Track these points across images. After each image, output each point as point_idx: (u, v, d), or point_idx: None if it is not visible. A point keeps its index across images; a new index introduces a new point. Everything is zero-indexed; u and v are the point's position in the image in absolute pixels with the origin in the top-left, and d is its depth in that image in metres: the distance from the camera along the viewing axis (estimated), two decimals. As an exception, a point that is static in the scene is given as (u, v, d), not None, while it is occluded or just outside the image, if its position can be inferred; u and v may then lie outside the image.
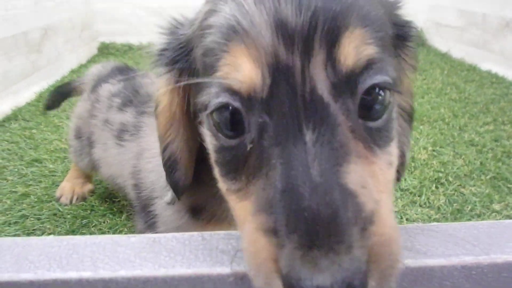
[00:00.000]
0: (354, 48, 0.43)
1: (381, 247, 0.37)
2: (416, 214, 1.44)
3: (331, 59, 0.43)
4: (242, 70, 0.43)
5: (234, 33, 0.44)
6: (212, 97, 0.46)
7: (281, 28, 0.43)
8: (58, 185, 1.69)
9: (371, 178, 0.42)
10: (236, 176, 0.46)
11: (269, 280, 0.38)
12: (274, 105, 0.43)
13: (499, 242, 0.48)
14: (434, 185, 1.62)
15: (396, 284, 0.38)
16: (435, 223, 0.53)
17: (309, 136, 0.41)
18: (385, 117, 0.46)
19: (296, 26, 0.42)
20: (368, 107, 0.45)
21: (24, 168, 1.83)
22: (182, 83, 0.58)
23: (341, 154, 0.41)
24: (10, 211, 1.52)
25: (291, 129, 0.42)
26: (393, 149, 0.48)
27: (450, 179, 1.67)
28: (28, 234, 1.40)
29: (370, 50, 0.44)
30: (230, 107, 0.44)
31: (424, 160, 1.84)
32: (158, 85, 0.64)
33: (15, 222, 1.45)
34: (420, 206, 1.50)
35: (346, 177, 0.40)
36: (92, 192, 1.71)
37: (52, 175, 1.79)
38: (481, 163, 1.81)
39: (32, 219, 1.47)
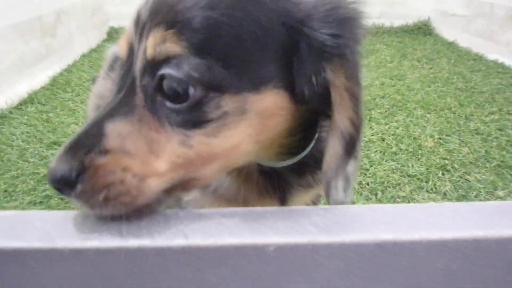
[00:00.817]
0: (153, 44, 0.55)
1: (95, 172, 0.52)
2: (423, 199, 1.51)
3: (145, 49, 0.56)
4: (120, 43, 0.63)
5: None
6: None
7: (137, 21, 0.59)
8: (78, 167, 1.76)
9: (144, 138, 0.55)
10: None
11: None
12: (124, 67, 0.60)
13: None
14: (440, 172, 1.69)
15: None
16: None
17: (122, 94, 0.58)
18: (185, 105, 0.55)
19: (140, 21, 0.58)
20: (166, 91, 0.55)
21: (44, 150, 1.91)
22: None
23: (123, 110, 0.56)
24: (34, 191, 1.59)
25: (121, 86, 0.59)
26: (195, 135, 0.56)
27: (456, 166, 1.74)
28: (53, 213, 1.47)
29: (169, 48, 0.54)
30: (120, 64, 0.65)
31: (430, 147, 1.90)
32: None
33: (40, 202, 1.53)
34: (427, 191, 1.56)
35: (108, 124, 0.54)
36: None
37: (72, 158, 1.86)
38: (486, 151, 1.87)
39: (56, 199, 1.55)
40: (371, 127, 2.10)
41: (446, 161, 1.77)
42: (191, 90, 0.55)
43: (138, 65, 0.57)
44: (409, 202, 1.49)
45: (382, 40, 4.10)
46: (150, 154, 0.55)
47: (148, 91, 0.57)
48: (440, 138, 2.00)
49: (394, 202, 1.50)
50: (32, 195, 1.57)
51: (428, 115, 2.28)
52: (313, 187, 0.81)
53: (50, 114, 2.32)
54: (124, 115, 0.55)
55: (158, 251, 0.50)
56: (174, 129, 0.56)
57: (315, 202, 0.95)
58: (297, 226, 0.52)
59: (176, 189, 0.58)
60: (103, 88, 1.49)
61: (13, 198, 1.55)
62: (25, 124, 2.20)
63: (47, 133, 2.08)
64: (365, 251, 0.51)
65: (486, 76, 2.95)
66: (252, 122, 0.58)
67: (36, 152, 1.89)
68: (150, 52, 0.55)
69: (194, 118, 0.56)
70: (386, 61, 3.37)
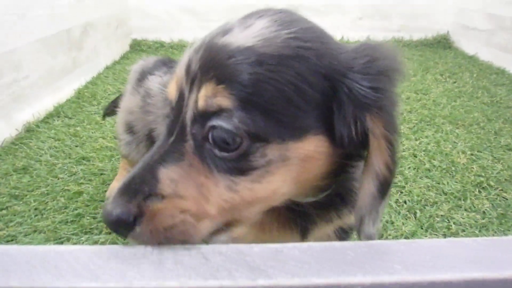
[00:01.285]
0: (205, 96, 0.60)
1: (154, 216, 0.57)
2: (463, 219, 1.48)
3: (196, 99, 0.61)
4: (170, 87, 0.68)
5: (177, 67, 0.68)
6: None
7: (187, 70, 0.64)
8: (108, 184, 1.76)
9: (194, 183, 0.60)
10: None
11: None
12: (174, 112, 0.66)
13: None
14: (477, 190, 1.66)
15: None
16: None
17: (172, 139, 0.63)
18: (233, 154, 0.60)
19: (192, 71, 0.63)
20: (215, 140, 0.60)
21: (74, 166, 1.90)
22: None
23: (175, 156, 0.61)
24: (66, 209, 1.58)
25: (170, 130, 0.64)
26: (241, 181, 0.61)
27: (492, 183, 1.70)
28: (86, 233, 1.46)
29: (220, 101, 0.59)
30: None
31: (463, 164, 1.87)
32: None
33: (72, 221, 1.51)
34: (466, 210, 1.53)
35: (161, 170, 0.60)
36: None
37: (101, 174, 1.85)
38: (520, 168, 1.84)
39: (88, 217, 1.53)
40: (401, 143, 2.08)
41: (481, 178, 1.74)
42: (239, 141, 0.59)
43: (189, 114, 0.62)
44: (448, 222, 1.46)
45: (402, 54, 4.06)
46: (201, 198, 0.60)
47: (198, 139, 0.62)
48: (472, 154, 1.97)
49: (433, 221, 1.47)
50: (63, 213, 1.56)
51: (457, 131, 2.25)
52: (335, 221, 0.84)
53: (78, 128, 2.32)
54: (176, 161, 0.61)
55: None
56: (222, 175, 0.61)
57: (337, 232, 0.96)
58: (382, 263, 0.50)
59: (221, 231, 0.64)
60: (131, 104, 1.49)
61: (44, 216, 1.54)
62: (52, 138, 2.20)
63: (75, 148, 2.08)
64: (454, 291, 0.49)
65: (511, 91, 2.91)
66: (293, 167, 0.62)
67: (65, 167, 1.89)
68: (201, 104, 0.60)
69: (240, 166, 0.60)
70: (409, 75, 3.34)
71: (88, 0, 3.36)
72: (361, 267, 0.49)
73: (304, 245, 0.54)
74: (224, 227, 0.64)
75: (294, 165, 0.62)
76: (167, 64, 1.51)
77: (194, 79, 0.62)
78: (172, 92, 0.68)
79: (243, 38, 0.61)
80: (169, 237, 0.57)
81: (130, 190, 0.58)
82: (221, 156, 0.60)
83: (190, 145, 0.62)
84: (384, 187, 0.64)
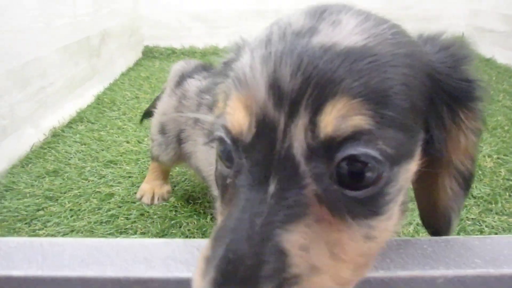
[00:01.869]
0: (337, 117, 0.44)
1: None
2: (494, 222, 1.48)
3: (313, 124, 0.45)
4: (235, 115, 0.49)
5: (239, 83, 0.50)
6: (215, 128, 0.53)
7: (274, 88, 0.46)
8: (137, 186, 1.78)
9: (325, 244, 0.44)
10: (222, 200, 0.54)
11: None
12: (253, 151, 0.47)
13: None
14: (507, 193, 1.66)
15: None
16: None
17: (272, 187, 0.45)
18: (370, 189, 0.46)
19: (287, 88, 0.46)
20: (348, 176, 0.45)
21: (102, 169, 1.93)
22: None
23: (293, 212, 0.43)
24: (99, 210, 1.61)
25: (260, 177, 0.46)
26: (378, 223, 0.48)
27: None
28: (121, 233, 1.49)
29: (358, 121, 0.44)
30: (224, 141, 0.52)
31: (490, 168, 1.87)
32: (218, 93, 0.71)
33: (107, 221, 1.54)
34: (497, 213, 1.53)
35: (283, 235, 0.42)
36: (169, 193, 1.78)
37: (129, 177, 1.88)
38: (548, 171, 1.84)
39: (122, 218, 1.56)
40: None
41: (511, 182, 1.74)
42: (382, 170, 0.46)
43: (298, 148, 0.46)
44: (480, 225, 1.47)
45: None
46: (334, 262, 0.44)
47: (323, 179, 0.45)
48: (498, 158, 1.97)
49: (465, 224, 1.47)
50: (97, 214, 1.58)
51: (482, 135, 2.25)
52: None
53: (101, 133, 2.35)
54: (298, 218, 0.43)
55: None
56: (357, 222, 0.46)
57: None
58: (462, 257, 0.52)
59: None
60: (167, 105, 1.51)
61: (80, 217, 1.56)
62: (78, 142, 2.24)
63: (101, 152, 2.11)
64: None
65: (532, 93, 2.91)
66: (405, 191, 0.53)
67: (94, 170, 1.92)
68: (330, 129, 0.44)
69: (379, 204, 0.47)
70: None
71: (104, 9, 3.41)
72: (441, 260, 0.50)
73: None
74: None
75: (403, 189, 0.51)
76: (208, 69, 1.52)
77: (296, 100, 0.46)
78: (241, 123, 0.49)
79: (346, 36, 0.48)
80: None
81: (245, 277, 0.39)
82: (355, 197, 0.46)
83: (311, 190, 0.45)
84: (468, 182, 0.60)
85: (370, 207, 0.46)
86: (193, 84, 1.41)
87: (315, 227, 0.43)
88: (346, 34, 0.48)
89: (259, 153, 0.47)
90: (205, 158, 1.20)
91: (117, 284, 0.49)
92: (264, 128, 0.47)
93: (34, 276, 0.50)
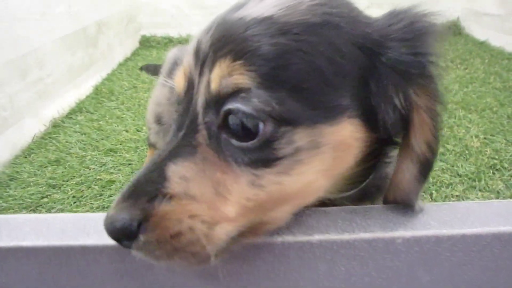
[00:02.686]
0: (220, 76, 0.51)
1: (160, 221, 0.49)
2: (478, 198, 1.55)
3: (209, 81, 0.53)
4: (176, 77, 0.60)
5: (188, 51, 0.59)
6: None
7: (196, 52, 0.56)
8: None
9: (209, 180, 0.52)
10: None
11: None
12: (183, 104, 0.58)
13: None
14: (491, 171, 1.72)
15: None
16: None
17: (181, 133, 0.54)
18: (256, 142, 0.51)
19: (203, 51, 0.55)
20: (233, 127, 0.52)
21: (102, 157, 1.99)
22: None
23: (185, 150, 0.53)
24: (101, 196, 1.68)
25: (179, 125, 0.56)
26: (265, 174, 0.52)
27: (505, 165, 1.77)
28: (122, 217, 1.55)
29: (239, 80, 0.50)
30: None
31: (477, 147, 1.93)
32: None
33: (108, 207, 1.61)
34: (480, 190, 1.60)
35: (170, 166, 0.52)
36: None
37: (129, 164, 1.94)
38: (533, 150, 1.90)
39: (123, 203, 1.62)
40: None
41: (495, 160, 1.81)
42: (261, 126, 0.51)
43: (200, 100, 0.54)
44: (463, 201, 1.53)
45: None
46: (217, 198, 0.51)
47: (212, 129, 0.53)
48: (485, 138, 2.03)
49: (449, 201, 1.54)
50: (99, 200, 1.65)
51: (470, 116, 2.31)
52: None
53: (101, 122, 2.41)
54: (187, 156, 0.52)
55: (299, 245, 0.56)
56: (242, 169, 0.52)
57: None
58: (420, 220, 0.58)
59: (246, 235, 0.54)
60: (160, 95, 1.54)
61: (82, 203, 1.63)
62: (78, 132, 2.30)
63: (101, 141, 2.17)
64: (483, 243, 0.56)
65: (523, 76, 2.96)
66: (327, 156, 0.54)
67: (95, 159, 1.98)
68: (215, 85, 0.52)
69: (264, 156, 0.51)
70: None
71: (101, -2, 3.45)
72: (401, 223, 0.57)
73: (349, 208, 0.62)
74: (250, 232, 0.54)
75: (327, 153, 0.53)
76: None
77: (204, 60, 0.54)
78: (179, 82, 0.59)
79: (260, 9, 0.54)
80: (177, 247, 0.49)
81: (135, 193, 0.50)
82: (241, 146, 0.52)
83: (203, 136, 0.53)
84: (425, 169, 0.58)
85: (256, 158, 0.52)
86: None
87: (201, 165, 0.52)
88: (260, 7, 0.54)
89: (183, 106, 0.57)
90: None
91: (115, 250, 0.56)
92: (188, 86, 0.57)
93: (41, 246, 0.57)
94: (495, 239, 0.56)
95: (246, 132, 0.51)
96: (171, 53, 1.62)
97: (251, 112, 0.50)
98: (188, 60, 0.58)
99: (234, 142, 0.52)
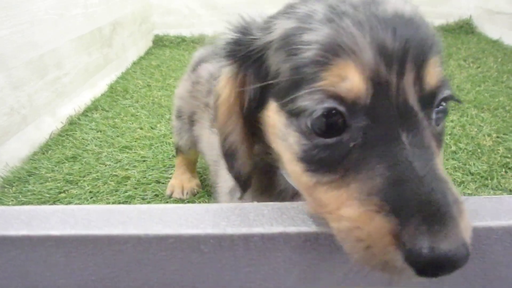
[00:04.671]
0: (436, 72, 0.55)
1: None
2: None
3: (419, 79, 0.54)
4: (350, 81, 0.53)
5: (340, 50, 0.54)
6: (316, 102, 0.55)
7: (381, 50, 0.53)
8: (152, 169, 1.88)
9: None
10: (330, 170, 0.55)
11: (388, 252, 0.47)
12: (375, 111, 0.53)
13: None
14: (503, 170, 1.73)
15: None
16: None
17: (404, 138, 0.51)
18: (442, 123, 0.58)
19: (393, 49, 0.53)
20: (438, 114, 0.57)
21: (118, 154, 2.03)
22: (252, 86, 0.68)
23: (430, 152, 0.52)
24: (116, 192, 1.72)
25: (390, 132, 0.52)
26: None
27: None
28: (137, 212, 1.59)
29: (442, 72, 0.56)
30: (334, 111, 0.54)
31: (489, 146, 1.94)
32: (222, 76, 0.71)
33: (124, 202, 1.65)
34: (492, 189, 1.61)
35: (439, 169, 0.50)
36: (199, 186, 1.81)
37: (144, 160, 1.98)
38: (546, 149, 1.90)
39: (138, 199, 1.66)
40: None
41: (508, 159, 1.81)
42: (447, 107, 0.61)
43: (413, 99, 0.54)
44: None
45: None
46: None
47: (431, 122, 0.57)
48: (498, 137, 2.03)
49: (461, 199, 1.55)
50: (115, 195, 1.69)
51: (482, 115, 2.31)
52: None
53: (116, 120, 2.46)
54: (435, 155, 0.53)
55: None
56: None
57: None
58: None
59: None
60: (183, 89, 1.56)
61: (99, 198, 1.67)
62: (94, 129, 2.34)
63: (116, 138, 2.21)
64: (494, 237, 0.58)
65: (537, 74, 2.95)
66: None
67: (111, 156, 2.02)
68: (434, 81, 0.55)
69: (442, 135, 0.62)
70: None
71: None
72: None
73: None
74: None
75: None
76: None
77: (402, 60, 0.53)
78: (359, 86, 0.53)
79: (402, 6, 0.59)
80: None
81: (448, 209, 0.46)
82: (437, 132, 0.58)
83: (429, 131, 0.54)
84: None
85: (442, 137, 0.61)
86: (207, 69, 1.43)
87: (439, 160, 0.54)
88: (400, 4, 0.59)
89: (382, 111, 0.53)
90: (209, 142, 1.24)
91: (138, 239, 0.58)
92: (380, 87, 0.53)
93: (68, 235, 0.60)
94: (505, 233, 0.58)
95: (440, 117, 0.59)
96: (197, 52, 1.65)
97: (454, 95, 0.59)
98: (364, 60, 0.53)
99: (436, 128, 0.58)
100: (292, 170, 0.62)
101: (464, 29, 4.48)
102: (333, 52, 0.54)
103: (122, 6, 3.65)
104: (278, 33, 0.63)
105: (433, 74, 0.55)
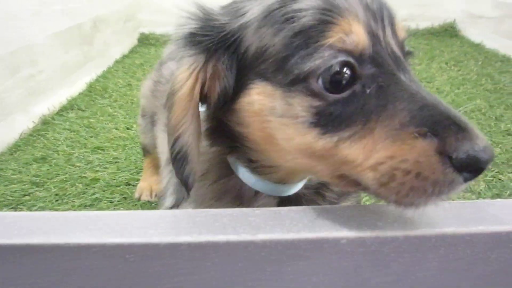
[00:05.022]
0: (403, 26, 0.66)
1: None
2: (458, 198, 1.55)
3: (394, 32, 0.64)
4: (356, 35, 0.58)
5: (340, 10, 0.59)
6: (329, 59, 0.57)
7: (367, 10, 0.61)
8: (123, 171, 1.85)
9: None
10: (350, 123, 0.57)
11: (438, 170, 0.51)
12: (377, 60, 0.59)
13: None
14: (474, 173, 1.72)
15: None
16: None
17: (403, 78, 0.58)
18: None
19: (374, 9, 0.62)
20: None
21: (89, 155, 2.00)
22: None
23: (420, 84, 0.59)
24: (84, 194, 1.68)
25: (393, 75, 0.58)
26: None
27: (489, 166, 1.76)
28: (104, 215, 1.56)
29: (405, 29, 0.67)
30: (347, 64, 0.58)
31: (463, 149, 1.93)
32: (183, 67, 0.66)
33: (91, 205, 1.62)
34: (462, 191, 1.60)
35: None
36: None
37: (116, 162, 1.95)
38: (517, 152, 1.90)
39: (105, 202, 1.63)
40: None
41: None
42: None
43: (396, 48, 0.62)
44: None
45: (409, 43, 4.08)
46: None
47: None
48: (472, 140, 2.03)
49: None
50: (82, 198, 1.65)
51: (459, 117, 2.30)
52: None
53: (91, 120, 2.42)
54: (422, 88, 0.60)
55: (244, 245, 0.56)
56: None
57: None
58: (366, 221, 0.58)
59: None
60: (146, 88, 1.53)
61: (64, 201, 1.64)
62: (68, 129, 2.30)
63: (90, 138, 2.18)
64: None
65: (515, 77, 2.96)
66: None
67: (82, 157, 1.99)
68: (403, 34, 0.67)
69: None
70: (414, 64, 3.39)
71: (99, -5, 3.46)
72: (346, 224, 0.57)
73: (299, 208, 0.62)
74: None
75: None
76: None
77: (382, 18, 0.63)
78: (363, 38, 0.59)
79: None
80: None
81: (470, 124, 0.53)
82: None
83: (412, 72, 0.62)
84: None
85: None
86: (170, 68, 1.36)
87: None
88: None
89: (382, 59, 0.59)
90: (163, 144, 1.13)
91: (60, 249, 0.56)
92: (374, 39, 0.60)
93: (37, 244, 0.57)
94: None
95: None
96: (167, 49, 1.59)
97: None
98: (362, 15, 0.60)
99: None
100: (300, 143, 0.61)
101: (448, 32, 4.49)
102: (334, 12, 0.58)
103: (105, 2, 3.61)
104: (256, 12, 0.64)
105: (401, 28, 0.65)
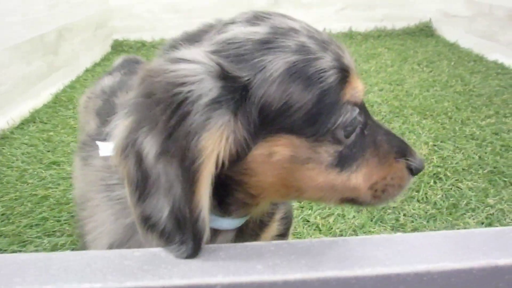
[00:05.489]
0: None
1: None
2: (414, 210, 1.51)
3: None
4: (359, 90, 0.67)
5: (348, 69, 0.66)
6: (349, 115, 0.65)
7: (352, 64, 0.69)
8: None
9: None
10: (355, 159, 0.69)
11: (406, 176, 0.71)
12: (362, 106, 0.69)
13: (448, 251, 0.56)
14: (432, 180, 1.69)
15: None
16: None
17: (372, 119, 0.72)
18: None
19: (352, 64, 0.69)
20: None
21: (43, 171, 1.94)
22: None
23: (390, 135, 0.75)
24: (32, 213, 1.62)
25: (369, 116, 0.71)
26: None
27: (449, 174, 1.73)
28: (49, 236, 1.50)
29: None
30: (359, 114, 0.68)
31: (425, 155, 1.90)
32: (211, 129, 0.57)
33: (37, 225, 1.56)
34: (418, 201, 1.57)
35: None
36: None
37: (70, 177, 1.89)
38: (479, 157, 1.87)
39: (52, 221, 1.58)
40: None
41: (439, 169, 1.77)
42: None
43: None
44: (399, 213, 1.50)
45: (384, 44, 4.09)
46: None
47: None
48: (434, 145, 2.00)
49: (385, 213, 1.50)
50: (29, 217, 1.60)
51: (424, 121, 2.27)
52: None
53: (51, 133, 2.36)
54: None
55: None
56: None
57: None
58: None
59: None
60: (81, 102, 1.34)
61: (11, 221, 1.58)
62: (26, 144, 2.25)
63: (47, 153, 2.12)
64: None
65: (485, 78, 2.93)
66: None
67: (35, 173, 1.93)
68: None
69: None
70: (386, 66, 3.36)
71: (62, 5, 3.38)
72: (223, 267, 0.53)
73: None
74: None
75: None
76: (130, 64, 1.35)
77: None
78: (362, 90, 0.69)
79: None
80: None
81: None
82: None
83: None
84: None
85: None
86: (106, 82, 1.23)
87: None
88: None
89: (362, 103, 0.70)
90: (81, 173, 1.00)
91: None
92: None
93: None
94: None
95: None
96: (117, 61, 1.48)
97: None
98: (357, 73, 0.69)
99: None
100: (324, 181, 0.68)
101: (424, 32, 4.49)
102: (345, 71, 0.66)
103: (70, 12, 3.54)
104: (280, 68, 0.62)
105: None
